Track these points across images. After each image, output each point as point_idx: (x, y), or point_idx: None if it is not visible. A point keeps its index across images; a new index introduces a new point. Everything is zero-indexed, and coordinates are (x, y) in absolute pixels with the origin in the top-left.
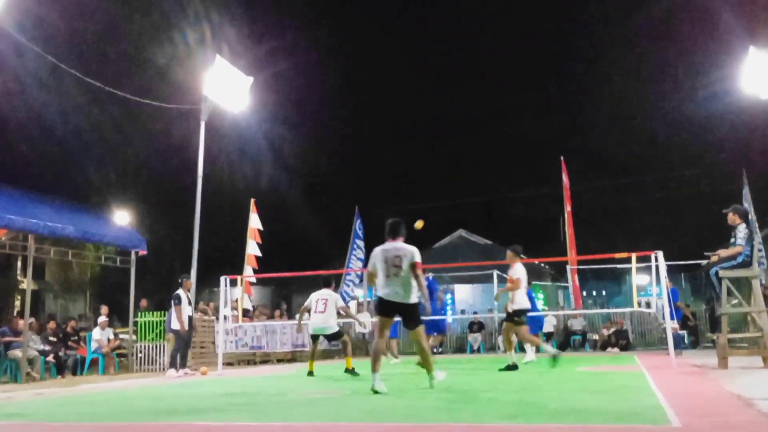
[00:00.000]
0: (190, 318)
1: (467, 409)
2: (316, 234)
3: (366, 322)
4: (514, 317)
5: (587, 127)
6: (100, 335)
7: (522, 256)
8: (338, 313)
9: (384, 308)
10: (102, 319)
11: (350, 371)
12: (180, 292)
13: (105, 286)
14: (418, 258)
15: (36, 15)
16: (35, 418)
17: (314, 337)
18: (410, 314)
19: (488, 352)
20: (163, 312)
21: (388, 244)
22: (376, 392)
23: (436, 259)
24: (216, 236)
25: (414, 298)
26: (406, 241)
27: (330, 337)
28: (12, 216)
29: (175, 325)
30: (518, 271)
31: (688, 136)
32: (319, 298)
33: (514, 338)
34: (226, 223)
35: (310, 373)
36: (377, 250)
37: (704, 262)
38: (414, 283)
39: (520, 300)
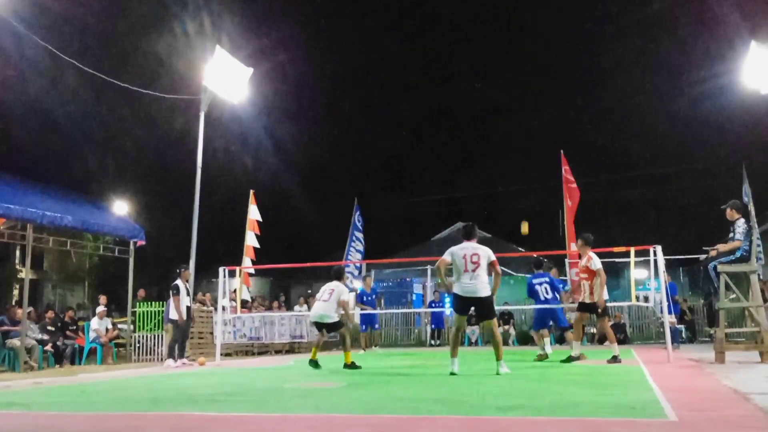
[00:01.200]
0: (188, 308)
1: (464, 401)
2: (315, 226)
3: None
4: (598, 309)
5: (587, 120)
6: (98, 325)
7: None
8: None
9: (460, 304)
10: (100, 308)
11: (350, 366)
12: (178, 282)
13: (103, 276)
14: (494, 257)
15: (36, 4)
16: (33, 407)
17: (317, 326)
18: (485, 307)
19: (486, 344)
20: (161, 302)
21: (465, 244)
22: (453, 374)
23: (434, 252)
24: (215, 227)
25: (487, 292)
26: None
27: (329, 328)
28: (11, 205)
29: (174, 315)
30: (597, 261)
31: (688, 130)
32: (326, 288)
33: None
34: (225, 214)
35: (313, 362)
36: (455, 249)
37: (703, 256)
38: (487, 279)
39: (599, 291)
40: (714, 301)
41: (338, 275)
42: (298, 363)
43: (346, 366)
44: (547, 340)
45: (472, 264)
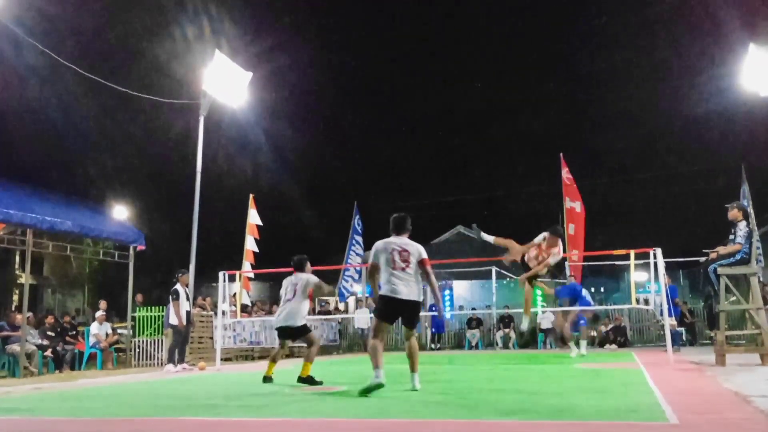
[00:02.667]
0: (188, 313)
1: (466, 405)
2: (314, 230)
3: (365, 318)
4: None
5: (586, 123)
6: (98, 330)
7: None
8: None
9: (388, 308)
10: (100, 313)
11: (307, 379)
12: (178, 287)
13: (103, 281)
14: (425, 255)
15: (35, 9)
16: (33, 413)
17: (282, 333)
18: (414, 313)
19: (486, 348)
20: (161, 307)
21: (394, 238)
22: (380, 386)
23: (434, 255)
24: (215, 232)
25: (420, 296)
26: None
27: (296, 333)
28: (10, 210)
29: (174, 320)
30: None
31: (687, 133)
32: (288, 284)
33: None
34: (224, 219)
35: (267, 379)
36: (380, 244)
37: (703, 259)
38: (419, 280)
39: None
40: (714, 304)
41: (300, 266)
42: (298, 367)
43: (301, 380)
44: None
45: (402, 262)
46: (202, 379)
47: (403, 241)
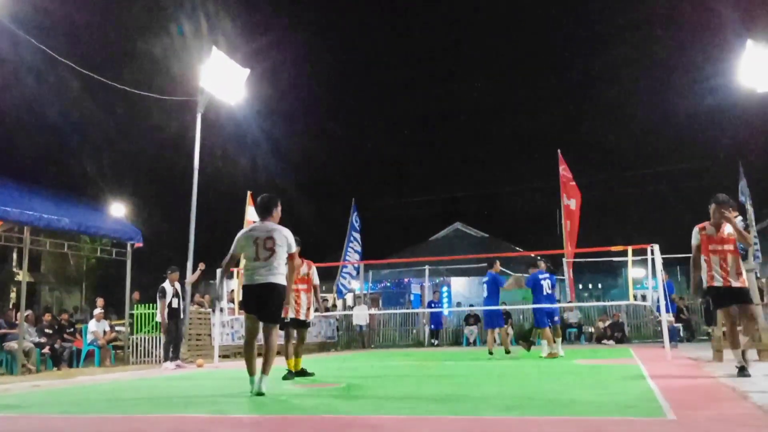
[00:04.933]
0: (177, 310)
1: (464, 401)
2: (312, 227)
3: (363, 315)
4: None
5: (584, 120)
6: (95, 327)
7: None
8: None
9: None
10: (97, 311)
11: (301, 373)
12: (165, 284)
13: (101, 279)
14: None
15: (32, 6)
16: (31, 410)
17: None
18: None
19: (484, 344)
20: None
21: (259, 224)
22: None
23: (432, 252)
24: (212, 229)
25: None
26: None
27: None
28: (7, 208)
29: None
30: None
31: (684, 129)
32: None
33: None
34: (222, 216)
35: (293, 373)
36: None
37: None
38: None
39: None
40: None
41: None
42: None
43: (296, 373)
44: (558, 339)
45: (266, 251)
46: (200, 376)
47: (270, 225)
